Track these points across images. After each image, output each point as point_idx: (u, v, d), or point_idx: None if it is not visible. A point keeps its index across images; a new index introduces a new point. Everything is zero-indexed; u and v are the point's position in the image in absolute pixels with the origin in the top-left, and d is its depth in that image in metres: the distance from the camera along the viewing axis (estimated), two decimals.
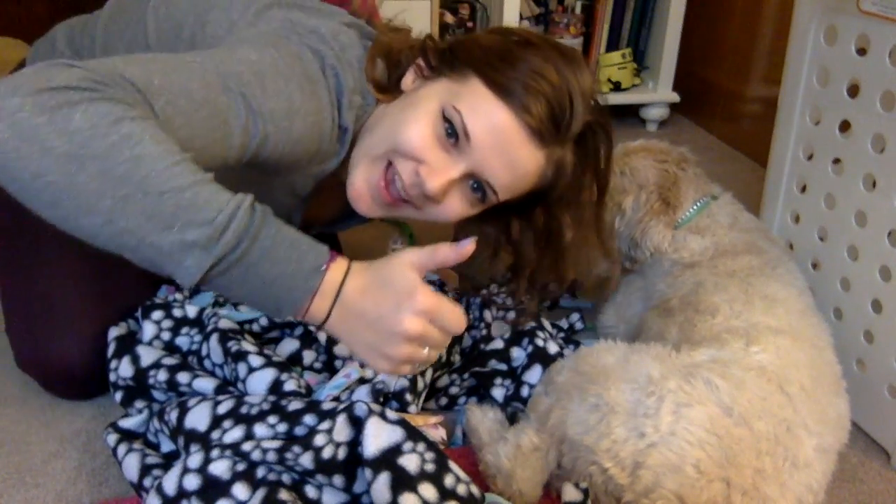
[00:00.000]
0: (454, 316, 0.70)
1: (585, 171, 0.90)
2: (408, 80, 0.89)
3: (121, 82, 0.66)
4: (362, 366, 0.95)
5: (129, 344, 0.95)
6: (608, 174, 0.93)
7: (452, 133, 0.82)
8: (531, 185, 0.88)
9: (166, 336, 0.98)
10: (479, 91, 0.82)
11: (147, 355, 0.93)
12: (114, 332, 0.96)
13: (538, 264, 0.99)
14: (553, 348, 1.00)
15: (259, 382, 0.88)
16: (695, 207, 1.09)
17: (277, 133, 0.78)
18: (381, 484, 0.69)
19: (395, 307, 0.68)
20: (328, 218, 1.09)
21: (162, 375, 0.90)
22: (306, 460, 0.72)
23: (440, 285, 1.08)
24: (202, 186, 0.64)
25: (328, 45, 0.84)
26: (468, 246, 0.71)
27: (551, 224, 0.95)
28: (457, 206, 0.87)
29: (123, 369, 0.92)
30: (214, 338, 0.93)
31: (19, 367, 0.99)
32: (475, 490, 0.72)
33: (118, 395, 0.93)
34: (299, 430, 0.76)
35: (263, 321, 1.00)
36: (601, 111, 0.88)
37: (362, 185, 0.86)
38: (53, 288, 0.97)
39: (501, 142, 0.82)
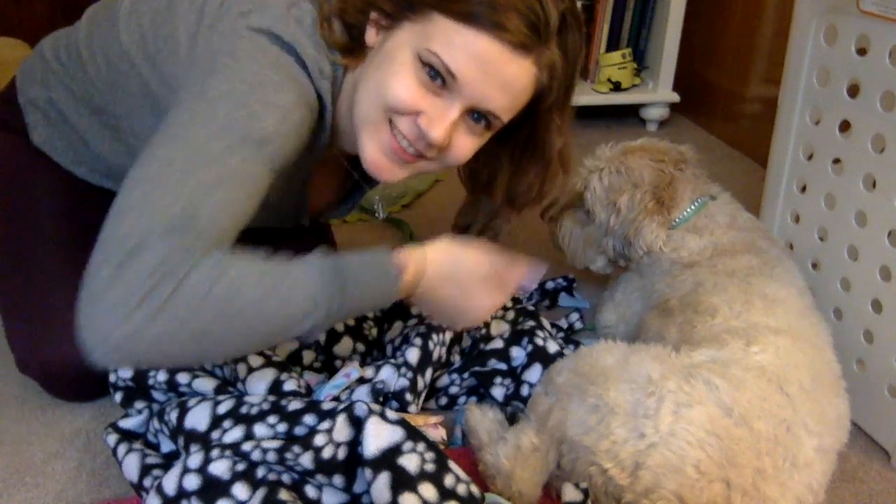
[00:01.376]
0: (518, 283, 0.90)
1: (568, 66, 0.87)
2: (370, 35, 0.86)
3: (169, 236, 0.67)
4: (362, 365, 0.95)
5: None
6: (577, 65, 0.89)
7: (436, 75, 0.80)
8: (530, 96, 0.86)
9: None
10: (446, 25, 0.79)
11: None
12: None
13: (527, 177, 0.98)
14: (553, 347, 0.99)
15: (259, 382, 0.88)
16: (692, 207, 1.09)
17: (286, 139, 0.78)
18: (381, 484, 0.69)
19: (467, 302, 0.87)
20: (330, 201, 1.09)
21: (161, 376, 0.90)
22: (306, 460, 0.72)
23: None
24: (295, 277, 0.72)
25: (282, 22, 0.81)
26: (541, 271, 0.90)
27: (538, 131, 0.92)
28: (467, 144, 0.86)
29: (123, 370, 0.92)
30: None
31: (19, 369, 0.99)
32: (475, 490, 0.72)
33: (118, 396, 0.93)
34: (299, 430, 0.77)
35: None
36: None
37: (376, 153, 0.85)
38: (51, 289, 0.97)
39: (488, 69, 0.80)
